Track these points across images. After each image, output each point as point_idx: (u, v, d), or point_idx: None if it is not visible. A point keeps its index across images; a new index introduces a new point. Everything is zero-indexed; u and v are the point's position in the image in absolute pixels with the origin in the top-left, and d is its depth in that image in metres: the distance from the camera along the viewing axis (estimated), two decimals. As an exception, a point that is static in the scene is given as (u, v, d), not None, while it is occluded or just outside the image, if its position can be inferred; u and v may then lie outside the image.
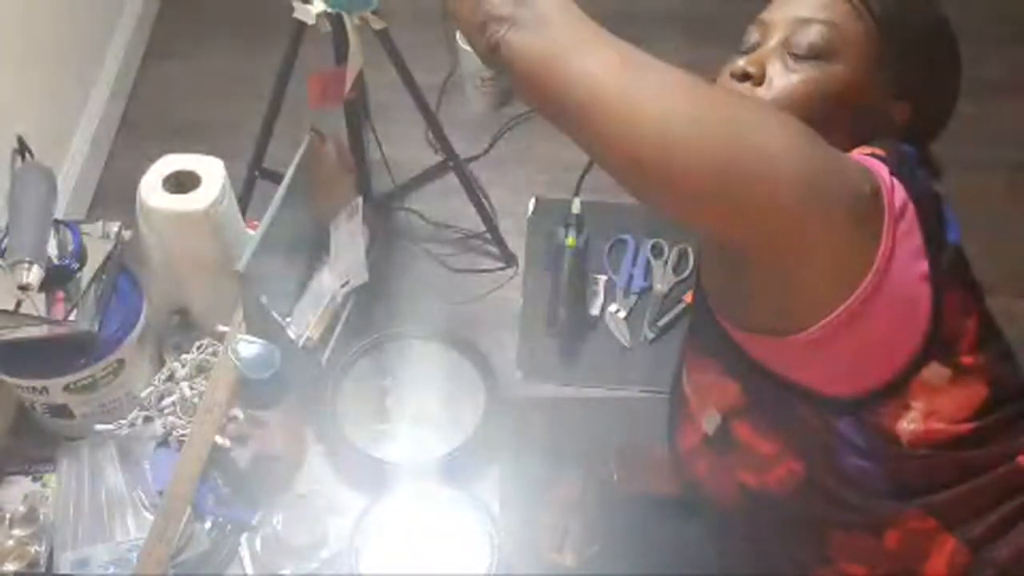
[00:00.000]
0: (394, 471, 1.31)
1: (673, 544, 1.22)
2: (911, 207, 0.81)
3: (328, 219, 1.52)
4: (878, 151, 0.85)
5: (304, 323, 1.42)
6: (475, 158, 1.78)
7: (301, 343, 1.38)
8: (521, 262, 1.64)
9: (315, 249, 1.52)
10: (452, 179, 1.75)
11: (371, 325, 1.53)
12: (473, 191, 1.69)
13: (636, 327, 1.54)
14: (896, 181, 0.81)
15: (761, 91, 0.89)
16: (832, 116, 0.87)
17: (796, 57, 0.88)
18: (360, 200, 1.50)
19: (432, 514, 1.27)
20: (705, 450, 0.98)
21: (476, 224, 1.69)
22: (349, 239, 1.47)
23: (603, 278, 1.59)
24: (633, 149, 0.74)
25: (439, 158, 1.77)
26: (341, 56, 1.44)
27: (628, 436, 1.37)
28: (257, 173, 1.58)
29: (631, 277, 1.59)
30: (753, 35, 0.93)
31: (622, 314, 1.55)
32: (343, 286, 1.42)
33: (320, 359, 1.40)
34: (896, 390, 0.83)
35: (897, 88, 0.90)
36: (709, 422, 0.95)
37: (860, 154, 0.85)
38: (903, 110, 0.91)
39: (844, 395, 0.84)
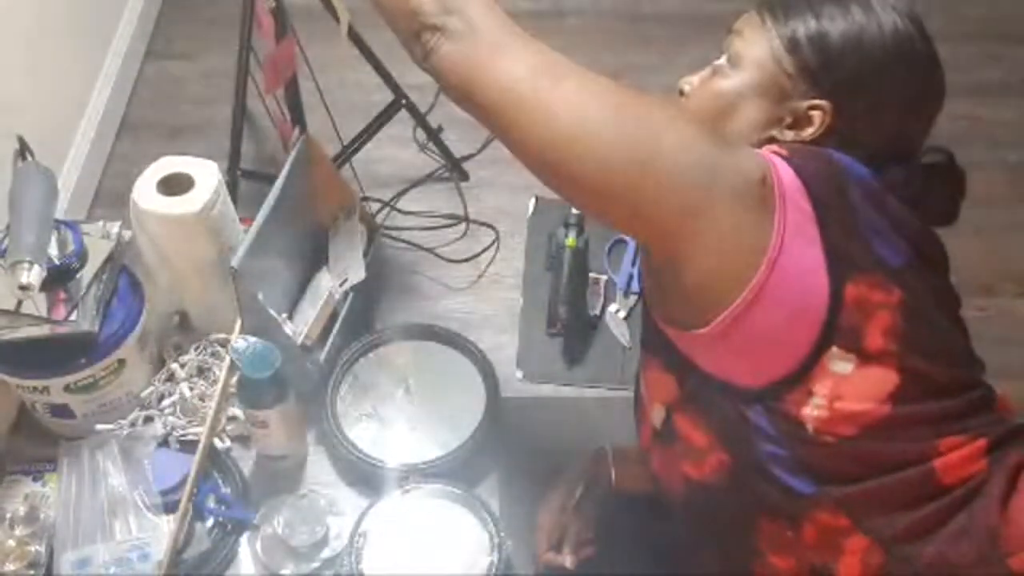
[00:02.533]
0: (394, 471, 1.31)
1: (671, 544, 1.22)
2: (805, 197, 0.84)
3: (329, 221, 1.52)
4: (781, 150, 0.88)
5: (304, 322, 1.42)
6: (470, 156, 1.78)
7: (299, 340, 1.38)
8: (521, 262, 1.64)
9: (316, 252, 1.53)
10: (450, 180, 1.75)
11: (369, 323, 1.54)
12: (427, 125, 1.71)
13: (636, 327, 1.53)
14: (789, 170, 0.84)
15: (684, 102, 0.98)
16: (743, 115, 0.94)
17: (719, 69, 0.96)
18: (358, 199, 1.50)
19: (432, 514, 1.27)
20: (656, 443, 1.02)
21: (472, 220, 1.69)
22: (347, 238, 1.47)
23: (603, 278, 1.59)
24: (546, 150, 0.83)
25: (430, 158, 1.77)
26: (282, 32, 1.45)
27: (628, 436, 1.37)
28: (240, 173, 1.58)
29: (631, 277, 1.59)
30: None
31: (622, 314, 1.55)
32: (341, 284, 1.43)
33: (319, 356, 1.40)
34: (798, 378, 0.85)
35: (815, 92, 0.92)
36: (656, 416, 0.99)
37: (761, 150, 0.88)
38: (824, 112, 0.92)
39: (752, 385, 0.87)
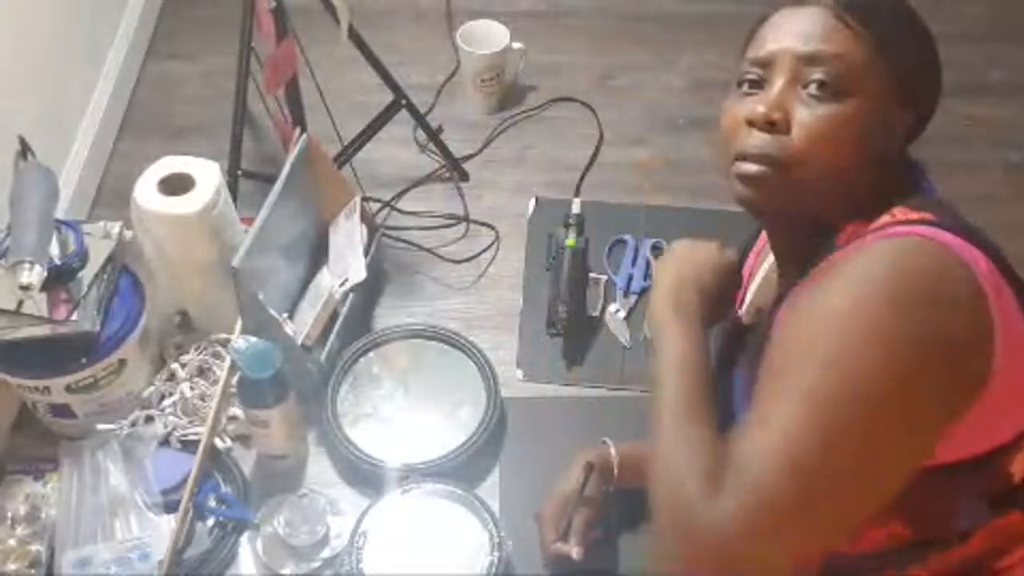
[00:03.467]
0: (394, 471, 1.31)
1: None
2: (993, 267, 0.79)
3: (329, 221, 1.52)
4: (925, 214, 0.81)
5: (304, 322, 1.42)
6: (470, 157, 1.78)
7: (300, 340, 1.38)
8: (521, 262, 1.64)
9: (317, 252, 1.53)
10: (450, 180, 1.75)
11: (369, 323, 1.54)
12: (427, 125, 1.71)
13: (636, 327, 1.53)
14: (975, 252, 0.78)
15: (788, 140, 0.84)
16: (863, 148, 0.84)
17: (813, 97, 0.83)
18: (358, 199, 1.50)
19: (432, 514, 1.27)
20: None
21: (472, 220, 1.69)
22: (347, 238, 1.47)
23: (603, 278, 1.59)
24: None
25: (430, 158, 1.77)
26: (283, 32, 1.45)
27: (627, 436, 1.36)
28: (240, 173, 1.58)
29: (631, 277, 1.59)
30: (751, 73, 0.88)
31: (622, 314, 1.55)
32: (342, 284, 1.43)
33: (319, 356, 1.40)
34: (1016, 441, 0.82)
35: (901, 96, 0.86)
36: None
37: (912, 228, 0.80)
38: (907, 117, 0.87)
39: (969, 457, 0.81)
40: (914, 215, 0.82)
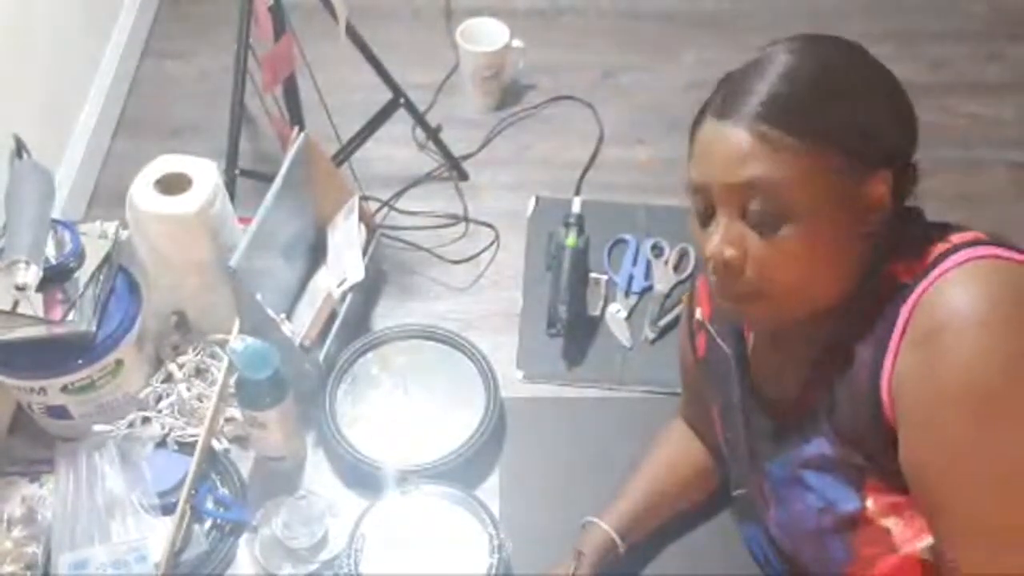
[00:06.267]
0: (393, 472, 1.30)
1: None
2: None
3: (327, 221, 1.52)
4: (977, 234, 0.79)
5: (302, 323, 1.42)
6: (469, 156, 1.77)
7: (298, 341, 1.37)
8: (521, 262, 1.63)
9: (315, 252, 1.52)
10: (450, 179, 1.74)
11: (368, 323, 1.53)
12: (426, 124, 1.70)
13: (637, 327, 1.53)
14: None
15: (748, 279, 0.80)
16: (834, 250, 0.80)
17: (756, 228, 0.79)
18: (357, 198, 1.49)
19: (432, 514, 1.26)
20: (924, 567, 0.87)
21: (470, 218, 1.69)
22: (346, 237, 1.47)
23: (603, 278, 1.58)
24: None
25: (429, 157, 1.76)
26: (280, 30, 1.45)
27: (627, 436, 1.36)
28: (238, 172, 1.57)
29: (631, 277, 1.58)
30: (699, 202, 0.83)
31: (623, 314, 1.54)
32: (340, 284, 1.42)
33: (317, 357, 1.39)
34: None
35: (864, 167, 0.79)
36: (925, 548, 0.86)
37: (978, 251, 0.77)
38: (883, 177, 0.80)
39: None
40: (967, 236, 0.79)
